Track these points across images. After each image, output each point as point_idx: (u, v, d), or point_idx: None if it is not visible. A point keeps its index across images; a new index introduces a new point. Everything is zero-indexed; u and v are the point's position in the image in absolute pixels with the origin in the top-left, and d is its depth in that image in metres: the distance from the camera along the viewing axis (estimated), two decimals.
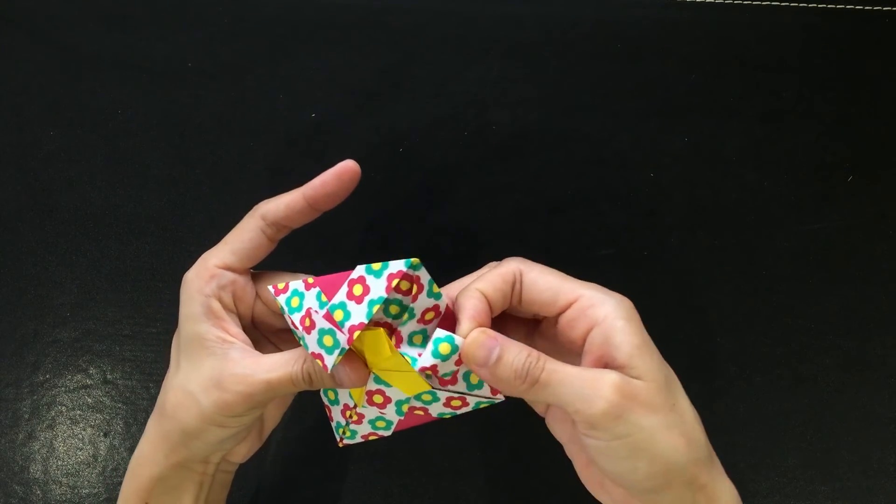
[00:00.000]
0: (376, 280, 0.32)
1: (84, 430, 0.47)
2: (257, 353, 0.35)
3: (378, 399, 0.36)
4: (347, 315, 0.32)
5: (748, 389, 0.48)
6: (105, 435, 0.47)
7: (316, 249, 0.50)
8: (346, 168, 0.36)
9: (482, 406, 0.36)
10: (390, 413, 0.36)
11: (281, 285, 0.35)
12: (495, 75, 0.55)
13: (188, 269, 0.37)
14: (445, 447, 0.47)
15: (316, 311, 0.33)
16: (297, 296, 0.34)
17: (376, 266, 0.32)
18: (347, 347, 0.32)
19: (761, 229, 0.52)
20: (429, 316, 0.34)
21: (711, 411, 0.48)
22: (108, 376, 0.48)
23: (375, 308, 0.31)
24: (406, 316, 0.33)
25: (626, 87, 0.55)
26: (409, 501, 0.46)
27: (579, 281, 0.34)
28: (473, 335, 0.32)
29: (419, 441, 0.47)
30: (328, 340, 0.32)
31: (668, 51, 0.55)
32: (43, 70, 0.54)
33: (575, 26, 0.56)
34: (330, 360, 0.32)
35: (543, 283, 0.34)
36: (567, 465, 0.37)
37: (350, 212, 0.51)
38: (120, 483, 0.38)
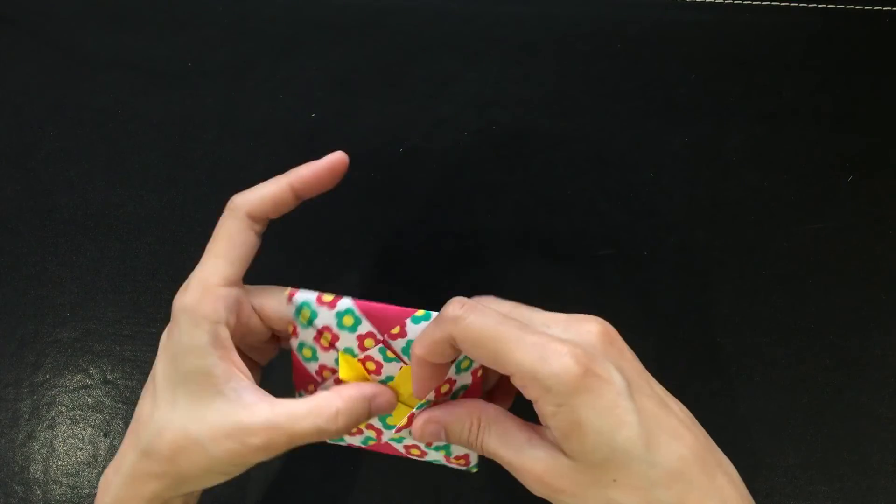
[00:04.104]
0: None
1: (84, 430, 0.47)
2: (269, 395, 0.32)
3: (361, 426, 0.37)
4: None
5: (748, 389, 0.48)
6: (105, 435, 0.47)
7: (315, 249, 0.50)
8: (339, 160, 0.35)
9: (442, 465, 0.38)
10: (356, 440, 0.38)
11: (328, 298, 0.34)
12: (495, 75, 0.55)
13: (189, 269, 0.34)
14: None
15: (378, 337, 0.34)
16: (350, 314, 0.34)
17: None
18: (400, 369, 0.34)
19: (761, 229, 0.52)
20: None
21: (711, 411, 0.48)
22: (108, 376, 0.48)
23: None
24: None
25: (626, 87, 0.55)
26: (409, 501, 0.46)
27: (520, 333, 0.29)
28: (417, 424, 0.34)
29: None
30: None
31: (668, 51, 0.55)
32: (43, 70, 0.54)
33: (575, 26, 0.56)
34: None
35: (479, 351, 0.30)
36: None
37: (350, 211, 0.51)
38: None
